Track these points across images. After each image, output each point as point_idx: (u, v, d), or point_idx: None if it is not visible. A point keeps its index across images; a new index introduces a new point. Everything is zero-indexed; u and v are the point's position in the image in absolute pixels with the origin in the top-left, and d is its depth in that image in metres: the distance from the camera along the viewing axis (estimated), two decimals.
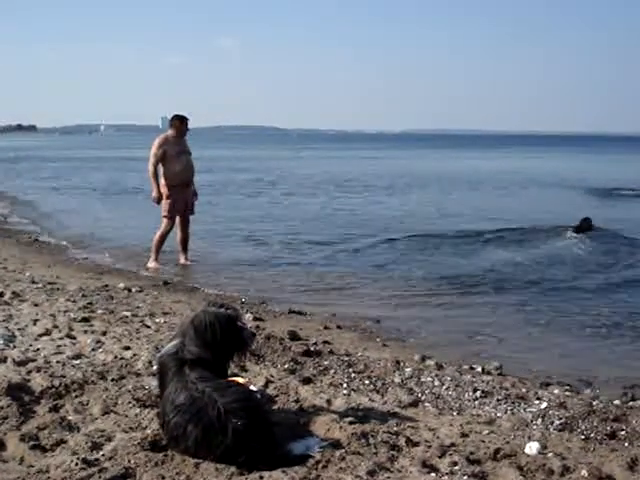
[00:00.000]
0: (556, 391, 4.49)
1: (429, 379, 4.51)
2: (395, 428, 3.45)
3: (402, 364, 4.86)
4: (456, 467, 2.99)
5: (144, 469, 2.87)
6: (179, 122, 9.05)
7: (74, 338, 5.14)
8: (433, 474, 2.93)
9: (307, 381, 4.27)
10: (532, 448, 3.24)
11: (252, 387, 3.92)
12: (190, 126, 9.24)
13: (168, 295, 7.28)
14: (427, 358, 5.20)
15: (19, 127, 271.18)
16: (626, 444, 3.47)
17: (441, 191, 22.38)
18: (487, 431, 3.55)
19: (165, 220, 9.02)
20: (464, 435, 3.46)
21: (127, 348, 4.89)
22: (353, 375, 4.48)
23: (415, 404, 4.00)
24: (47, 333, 5.23)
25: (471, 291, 8.06)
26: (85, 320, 5.71)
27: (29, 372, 4.15)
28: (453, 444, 3.27)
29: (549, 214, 15.68)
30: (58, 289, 7.08)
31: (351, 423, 3.40)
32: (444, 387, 4.36)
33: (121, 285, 7.49)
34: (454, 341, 6.08)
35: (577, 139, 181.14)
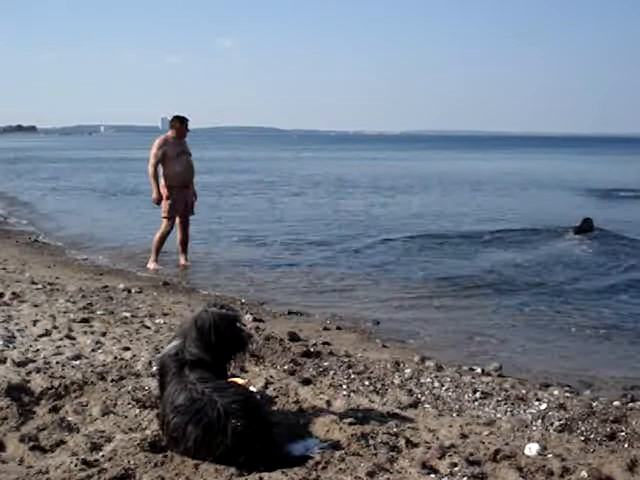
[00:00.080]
0: (556, 392, 4.48)
1: (429, 380, 4.50)
2: (395, 429, 3.45)
3: (402, 365, 4.86)
4: (456, 468, 2.99)
5: (144, 470, 2.87)
6: (179, 123, 9.05)
7: (74, 339, 5.14)
8: (433, 475, 2.93)
9: (307, 382, 4.27)
10: (532, 449, 3.24)
11: (252, 388, 3.93)
12: (190, 127, 9.25)
13: (168, 296, 7.28)
14: (427, 359, 5.20)
15: (19, 128, 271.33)
16: (626, 445, 3.47)
17: (442, 192, 22.40)
18: (487, 432, 3.55)
19: (165, 221, 9.02)
20: (464, 436, 3.46)
21: (127, 349, 4.89)
22: (353, 376, 4.48)
23: (415, 405, 4.00)
24: (47, 334, 5.22)
25: (471, 292, 8.07)
26: (85, 321, 5.71)
27: (29, 373, 4.15)
28: (453, 445, 3.27)
29: (550, 215, 15.69)
30: (58, 290, 7.08)
31: (351, 424, 3.39)
32: (444, 388, 4.36)
33: (121, 286, 7.49)
34: (454, 342, 6.08)
35: (578, 140, 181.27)
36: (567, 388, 4.71)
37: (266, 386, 4.13)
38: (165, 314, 6.23)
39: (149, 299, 6.95)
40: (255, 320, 6.23)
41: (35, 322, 5.55)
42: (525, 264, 9.98)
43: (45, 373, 4.14)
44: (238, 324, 3.29)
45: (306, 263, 9.85)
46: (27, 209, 16.72)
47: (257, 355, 4.80)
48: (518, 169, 36.97)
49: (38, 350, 4.75)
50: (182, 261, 9.33)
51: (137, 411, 3.57)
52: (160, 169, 8.89)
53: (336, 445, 3.13)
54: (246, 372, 4.43)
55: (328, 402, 3.87)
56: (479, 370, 5.04)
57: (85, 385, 3.94)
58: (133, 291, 7.27)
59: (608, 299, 7.79)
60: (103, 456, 3.02)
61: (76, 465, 2.88)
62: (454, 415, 3.88)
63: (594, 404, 4.19)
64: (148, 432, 3.27)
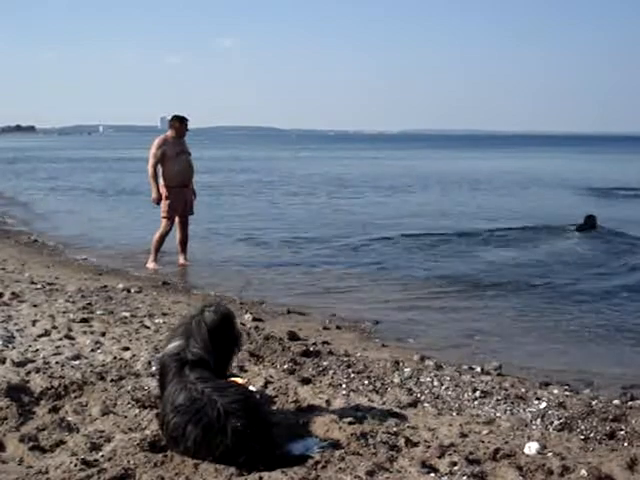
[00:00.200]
0: (555, 391, 4.48)
1: (428, 379, 4.50)
2: (394, 428, 3.45)
3: (401, 364, 4.86)
4: (455, 467, 2.99)
5: (143, 470, 2.87)
6: (178, 123, 9.05)
7: (73, 339, 5.14)
8: (432, 474, 2.93)
9: (306, 381, 4.27)
10: (531, 448, 3.24)
11: (251, 387, 3.93)
12: (189, 126, 9.24)
13: (167, 295, 7.28)
14: (426, 358, 5.20)
15: (18, 128, 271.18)
16: (625, 444, 3.48)
17: (442, 191, 22.39)
18: (486, 431, 3.55)
19: (164, 221, 9.01)
20: (463, 435, 3.46)
21: (126, 349, 4.89)
22: (352, 375, 4.48)
23: (414, 404, 4.00)
24: (46, 334, 5.23)
25: (471, 291, 8.06)
26: (84, 321, 5.71)
27: (28, 373, 4.15)
28: (452, 444, 3.27)
29: (551, 213, 15.68)
30: (57, 290, 7.08)
31: (350, 423, 3.40)
32: (443, 387, 4.36)
33: (120, 286, 7.49)
34: (453, 341, 6.08)
35: (578, 139, 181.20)
36: (567, 387, 4.71)
37: (266, 385, 4.14)
38: (164, 314, 6.23)
39: (148, 299, 6.94)
40: (254, 319, 6.23)
41: (34, 322, 5.55)
42: (526, 262, 9.98)
43: (45, 373, 4.14)
44: (236, 322, 3.31)
45: (305, 262, 9.84)
46: (26, 209, 16.70)
47: (257, 354, 4.80)
48: (519, 168, 36.95)
49: (37, 350, 4.75)
50: (181, 261, 9.32)
51: (137, 411, 3.57)
52: (159, 169, 8.89)
53: (336, 444, 3.13)
54: (246, 372, 4.44)
55: (328, 401, 3.88)
56: (479, 369, 5.04)
57: (85, 385, 3.94)
58: (132, 291, 7.27)
59: (608, 298, 7.78)
60: (103, 456, 3.03)
61: (76, 465, 2.88)
62: (454, 414, 3.88)
63: (594, 403, 4.19)
64: (148, 432, 3.27)
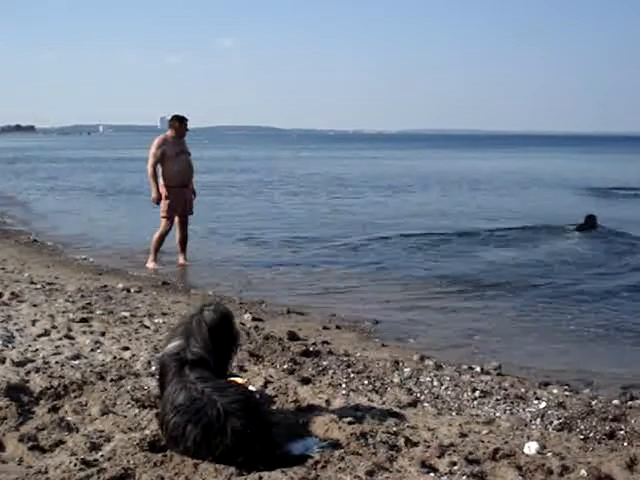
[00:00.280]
0: (555, 391, 4.49)
1: (428, 379, 4.51)
2: (394, 428, 3.45)
3: (401, 364, 4.86)
4: (455, 467, 2.99)
5: (143, 469, 2.87)
6: (178, 123, 9.05)
7: (73, 339, 5.14)
8: (432, 474, 2.93)
9: (306, 381, 4.27)
10: (531, 448, 3.24)
11: (251, 387, 3.93)
12: (189, 126, 9.24)
13: (167, 295, 7.28)
14: (426, 358, 5.20)
15: (17, 127, 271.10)
16: (625, 444, 3.48)
17: (442, 191, 22.39)
18: (486, 431, 3.55)
19: (164, 220, 9.02)
20: (463, 435, 3.46)
21: (126, 348, 4.89)
22: (352, 375, 4.48)
23: (414, 404, 4.00)
24: (46, 334, 5.22)
25: (471, 291, 8.06)
26: (84, 320, 5.71)
27: (28, 373, 4.15)
28: (452, 444, 3.27)
29: (551, 214, 15.67)
30: (57, 289, 7.08)
31: (350, 423, 3.40)
32: (443, 387, 4.36)
33: (120, 285, 7.49)
34: (453, 341, 6.08)
35: (578, 139, 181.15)
36: (566, 387, 4.71)
37: (265, 385, 4.13)
38: (164, 314, 6.23)
39: (148, 299, 6.94)
40: (254, 319, 6.23)
41: (34, 322, 5.55)
42: (526, 262, 9.98)
43: (44, 373, 4.14)
44: (234, 321, 3.32)
45: (305, 262, 9.84)
46: (26, 209, 16.70)
47: (256, 354, 4.80)
48: (519, 168, 36.95)
49: (37, 350, 4.75)
50: (181, 260, 9.33)
51: (136, 411, 3.57)
52: (159, 169, 8.89)
53: (335, 444, 3.13)
54: (245, 371, 4.44)
55: (327, 401, 3.88)
56: (478, 369, 5.04)
57: (84, 385, 3.94)
58: (132, 291, 7.27)
59: (608, 298, 7.77)
60: (102, 456, 3.02)
61: (75, 465, 2.88)
62: (453, 414, 3.88)
63: (593, 403, 4.19)
64: (147, 432, 3.27)
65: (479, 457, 3.12)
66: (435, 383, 4.43)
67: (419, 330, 6.39)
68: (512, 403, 4.11)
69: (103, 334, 5.31)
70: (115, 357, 4.63)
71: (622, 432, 3.62)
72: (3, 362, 4.37)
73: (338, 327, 6.32)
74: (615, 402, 4.33)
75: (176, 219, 9.10)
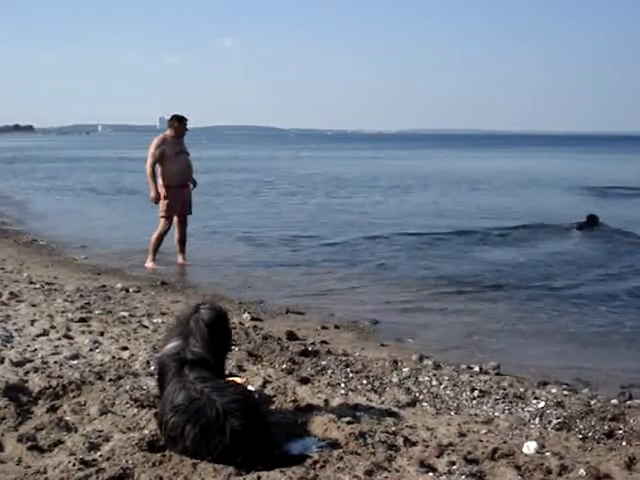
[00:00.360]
0: (554, 390, 4.49)
1: (427, 379, 4.51)
2: (393, 428, 3.45)
3: (400, 364, 4.86)
4: (454, 467, 2.99)
5: (142, 469, 2.87)
6: (177, 122, 9.04)
7: (72, 338, 5.14)
8: (431, 474, 2.93)
9: (305, 381, 4.27)
10: (530, 447, 3.24)
11: (250, 387, 3.93)
12: (188, 126, 9.24)
13: (166, 295, 7.28)
14: (425, 358, 5.20)
15: (16, 127, 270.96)
16: (624, 443, 3.48)
17: (441, 191, 22.37)
18: (485, 430, 3.56)
19: (162, 220, 9.01)
20: (462, 435, 3.47)
21: (125, 348, 4.89)
22: (351, 375, 4.48)
23: (413, 404, 4.00)
24: (45, 333, 5.22)
25: (470, 291, 8.05)
26: (83, 320, 5.71)
27: (27, 373, 4.15)
28: (451, 444, 3.27)
29: (550, 213, 15.65)
30: (56, 289, 7.08)
31: (349, 423, 3.40)
32: (442, 387, 4.36)
33: (119, 285, 7.49)
34: (452, 341, 6.07)
35: (578, 139, 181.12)
36: (565, 386, 4.71)
37: (264, 385, 4.13)
38: (163, 313, 6.23)
39: (147, 298, 6.94)
40: (253, 319, 6.23)
41: (33, 322, 5.55)
42: (526, 262, 9.97)
43: (43, 373, 4.14)
44: (229, 319, 3.33)
45: (304, 262, 9.84)
46: (25, 209, 16.69)
47: (255, 354, 4.80)
48: (518, 168, 36.94)
49: (36, 350, 4.75)
50: (180, 260, 9.32)
51: (135, 410, 3.57)
52: (158, 168, 8.88)
53: (334, 444, 3.13)
54: (244, 371, 4.44)
55: (326, 401, 3.88)
56: (477, 368, 5.04)
57: (83, 385, 3.94)
58: (131, 290, 7.27)
59: (608, 298, 7.76)
60: (101, 456, 3.02)
61: (74, 465, 2.88)
62: (452, 413, 3.89)
63: (592, 402, 4.20)
64: (146, 431, 3.27)
65: (478, 457, 3.12)
66: (434, 383, 4.43)
67: (418, 330, 6.38)
68: (511, 403, 4.11)
69: (102, 334, 5.31)
70: (114, 357, 4.63)
71: (621, 431, 3.62)
72: (2, 362, 4.37)
73: (337, 327, 6.32)
74: (614, 402, 4.33)
75: (175, 219, 9.10)
